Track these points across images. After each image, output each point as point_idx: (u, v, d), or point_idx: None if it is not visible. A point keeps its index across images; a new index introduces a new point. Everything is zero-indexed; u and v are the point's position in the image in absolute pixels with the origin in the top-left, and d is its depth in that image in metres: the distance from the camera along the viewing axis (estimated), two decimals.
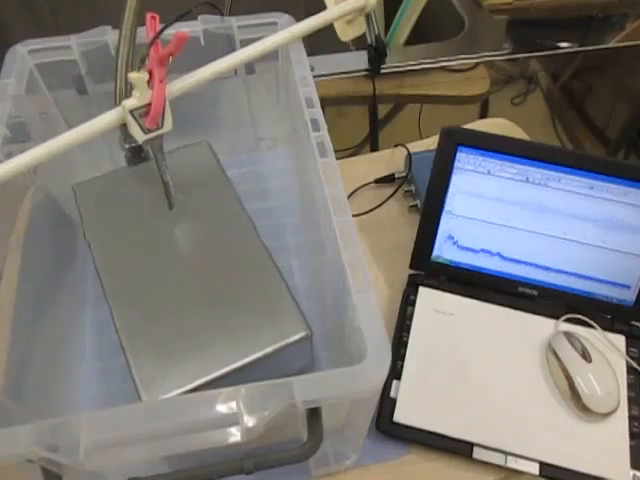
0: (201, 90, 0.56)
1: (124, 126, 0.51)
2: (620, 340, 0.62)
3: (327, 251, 0.48)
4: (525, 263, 0.64)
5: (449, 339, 0.62)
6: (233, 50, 0.56)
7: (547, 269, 0.63)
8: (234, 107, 0.72)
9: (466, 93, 0.93)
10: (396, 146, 0.83)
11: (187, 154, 0.64)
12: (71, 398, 0.57)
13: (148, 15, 0.51)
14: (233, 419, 0.35)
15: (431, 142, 0.83)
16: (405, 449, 0.56)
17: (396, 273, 0.68)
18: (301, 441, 0.39)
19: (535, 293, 0.64)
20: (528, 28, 1.04)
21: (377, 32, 0.85)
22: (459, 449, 0.55)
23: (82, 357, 0.61)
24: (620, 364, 0.60)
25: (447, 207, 0.64)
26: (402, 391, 0.58)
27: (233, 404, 0.35)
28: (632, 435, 0.55)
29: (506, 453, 0.54)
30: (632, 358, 0.60)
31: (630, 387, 0.58)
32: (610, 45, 1.06)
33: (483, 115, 1.22)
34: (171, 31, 0.48)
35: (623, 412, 0.57)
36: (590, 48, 1.04)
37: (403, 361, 0.60)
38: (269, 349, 0.48)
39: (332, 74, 0.90)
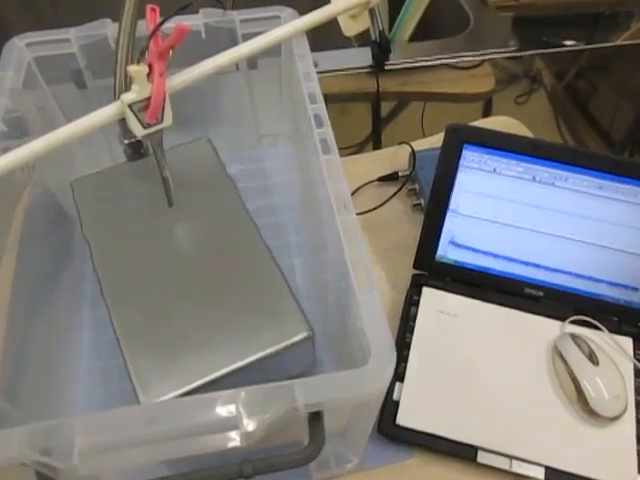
0: (202, 85, 0.55)
1: (123, 121, 0.50)
2: (627, 342, 0.61)
3: (330, 250, 0.47)
4: (531, 264, 0.63)
5: (453, 341, 0.61)
6: (235, 45, 0.55)
7: (553, 270, 0.62)
8: (235, 103, 0.71)
9: (471, 91, 0.92)
10: (400, 144, 0.82)
11: (187, 150, 0.63)
12: (68, 398, 0.56)
13: (148, 7, 0.50)
14: (232, 423, 0.33)
15: (435, 140, 0.81)
16: (408, 453, 0.55)
17: (399, 273, 0.67)
18: (302, 444, 0.38)
19: (541, 294, 0.63)
20: (534, 26, 1.03)
21: (381, 28, 0.83)
22: (463, 453, 0.54)
23: (79, 357, 0.59)
24: (627, 367, 0.59)
25: (452, 206, 0.63)
26: (405, 393, 0.57)
27: (232, 407, 0.34)
28: None
29: (511, 457, 0.53)
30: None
31: (638, 390, 0.57)
32: (617, 43, 1.04)
33: (486, 114, 1.21)
34: (171, 25, 0.47)
35: (631, 416, 0.56)
36: (596, 46, 1.03)
37: (406, 363, 0.59)
38: (270, 350, 0.47)
39: (335, 70, 0.89)
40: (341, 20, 0.62)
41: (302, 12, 0.60)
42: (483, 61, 0.95)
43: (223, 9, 0.62)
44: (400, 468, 0.55)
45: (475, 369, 0.59)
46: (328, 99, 0.53)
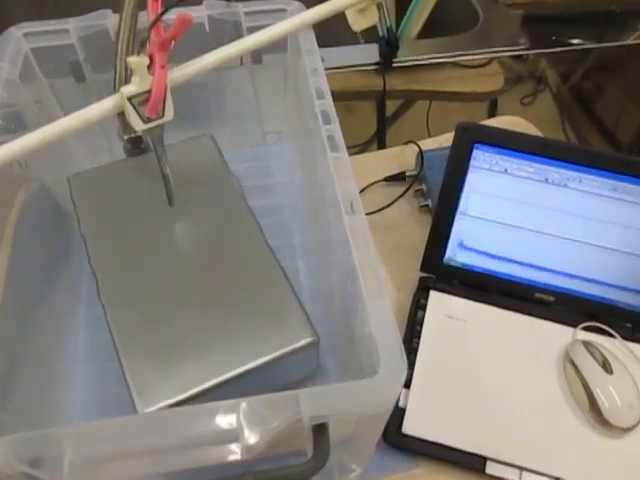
0: (205, 80, 0.53)
1: (122, 115, 0.48)
2: None
3: (336, 252, 0.45)
4: (542, 268, 0.61)
5: (461, 346, 0.59)
6: (240, 38, 0.53)
7: (565, 274, 0.61)
8: (239, 99, 0.69)
9: (480, 89, 0.90)
10: (406, 143, 0.80)
11: (189, 147, 0.61)
12: (62, 402, 0.54)
13: None
14: (232, 435, 0.31)
15: (443, 140, 0.80)
16: (413, 462, 0.54)
17: (405, 275, 0.65)
18: (305, 454, 0.36)
19: (552, 299, 0.62)
20: (543, 24, 1.01)
21: (389, 24, 0.81)
22: (471, 463, 0.52)
23: (75, 358, 0.58)
24: None
25: (461, 207, 0.61)
26: (411, 400, 0.55)
27: (233, 419, 0.32)
28: None
29: (521, 468, 0.52)
30: None
31: None
32: (626, 42, 1.02)
33: (492, 115, 1.19)
34: (173, 16, 0.45)
35: None
36: (606, 45, 1.01)
37: (413, 369, 0.57)
38: (273, 355, 0.45)
39: (341, 67, 0.87)
40: (349, 14, 0.60)
41: (309, 5, 0.58)
42: (492, 59, 0.93)
43: (227, 1, 0.60)
44: (405, 478, 0.53)
45: (484, 376, 0.57)
46: (334, 97, 0.51)
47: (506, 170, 0.59)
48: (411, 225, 0.72)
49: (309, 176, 0.61)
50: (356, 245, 0.39)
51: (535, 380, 0.57)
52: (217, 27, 0.60)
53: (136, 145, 0.58)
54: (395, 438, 0.53)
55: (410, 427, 0.53)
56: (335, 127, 0.47)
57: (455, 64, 0.92)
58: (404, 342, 0.59)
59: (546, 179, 0.58)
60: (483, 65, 0.93)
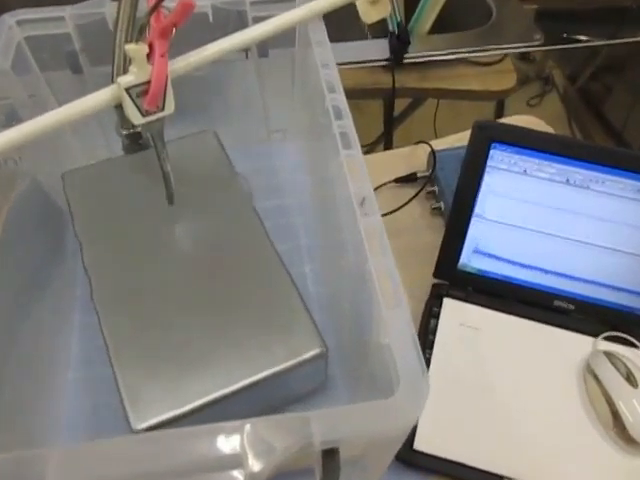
0: (208, 74, 0.50)
1: (121, 108, 0.45)
2: None
3: (348, 256, 0.42)
4: (561, 274, 0.59)
5: (476, 357, 0.56)
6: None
7: (586, 281, 0.58)
8: (244, 94, 0.67)
9: (493, 88, 0.87)
10: (417, 143, 0.77)
11: (191, 144, 0.59)
12: (52, 411, 0.51)
13: None
14: (235, 461, 0.28)
15: (454, 140, 0.77)
16: None
17: (417, 282, 0.62)
18: (312, 472, 0.33)
19: (572, 307, 0.59)
20: (557, 20, 0.98)
21: (399, 19, 0.78)
22: None
23: (67, 366, 0.55)
24: None
25: (477, 210, 0.58)
26: (423, 415, 0.50)
27: (236, 443, 0.29)
28: None
29: None
30: None
31: None
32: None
33: (499, 116, 1.16)
34: (173, 3, 0.42)
35: None
36: (621, 41, 0.98)
37: None
38: (279, 367, 0.43)
39: (350, 63, 0.84)
40: (360, 5, 0.57)
41: None
42: (505, 56, 0.90)
43: None
44: None
45: (500, 388, 0.54)
46: None
47: (525, 171, 0.56)
48: (422, 229, 0.69)
49: (318, 176, 0.58)
50: (372, 249, 0.36)
51: (554, 393, 0.55)
52: (221, 17, 0.57)
53: (135, 141, 0.54)
54: (406, 455, 0.51)
55: (422, 443, 0.51)
56: (348, 123, 0.43)
57: (467, 61, 0.89)
58: None
59: (567, 180, 0.56)
60: (496, 62, 0.90)
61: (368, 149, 1.16)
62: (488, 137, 0.56)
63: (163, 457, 0.29)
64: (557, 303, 0.59)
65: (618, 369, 0.53)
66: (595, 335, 0.58)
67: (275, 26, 0.50)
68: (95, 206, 0.54)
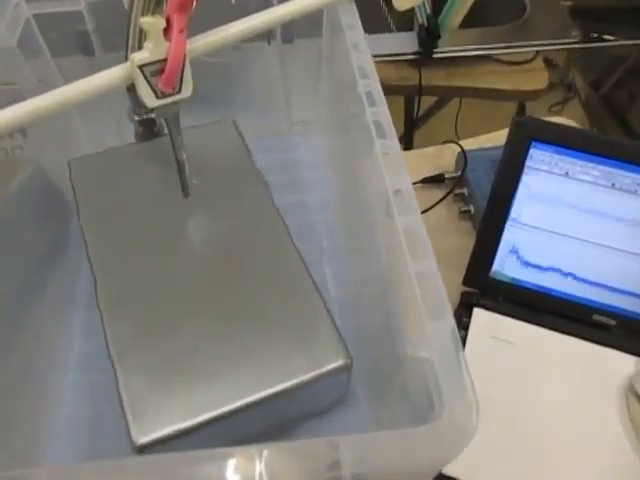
0: (228, 59, 0.46)
1: (134, 91, 0.41)
2: None
3: (379, 259, 0.38)
4: (603, 286, 0.54)
5: (508, 374, 0.52)
6: None
7: (629, 294, 0.54)
8: (266, 82, 0.63)
9: (524, 87, 0.82)
10: (444, 143, 0.74)
11: (208, 133, 0.55)
12: (49, 417, 0.47)
13: None
14: None
15: (484, 140, 0.74)
16: None
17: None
18: None
19: (613, 323, 0.55)
20: (592, 17, 0.93)
21: (429, 11, 0.74)
22: None
23: (66, 368, 0.51)
24: None
25: (513, 214, 0.55)
26: None
27: (251, 470, 0.25)
28: None
29: None
30: None
31: None
32: None
33: None
34: None
35: None
36: None
37: None
38: (297, 380, 0.38)
39: (375, 56, 0.80)
40: None
41: None
42: (537, 54, 0.86)
43: None
44: None
45: (534, 410, 0.50)
46: None
47: (567, 173, 0.53)
48: (450, 233, 0.65)
49: (344, 170, 0.54)
50: (412, 252, 0.32)
51: (593, 415, 0.51)
52: None
53: (148, 128, 0.52)
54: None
55: (451, 469, 0.46)
56: (383, 110, 0.39)
57: (495, 59, 0.85)
58: None
59: (613, 184, 0.52)
60: (528, 61, 0.86)
61: None
62: (528, 135, 0.52)
63: None
64: (596, 317, 0.55)
65: None
66: (638, 354, 0.54)
67: (302, 6, 0.46)
68: (103, 197, 0.50)
